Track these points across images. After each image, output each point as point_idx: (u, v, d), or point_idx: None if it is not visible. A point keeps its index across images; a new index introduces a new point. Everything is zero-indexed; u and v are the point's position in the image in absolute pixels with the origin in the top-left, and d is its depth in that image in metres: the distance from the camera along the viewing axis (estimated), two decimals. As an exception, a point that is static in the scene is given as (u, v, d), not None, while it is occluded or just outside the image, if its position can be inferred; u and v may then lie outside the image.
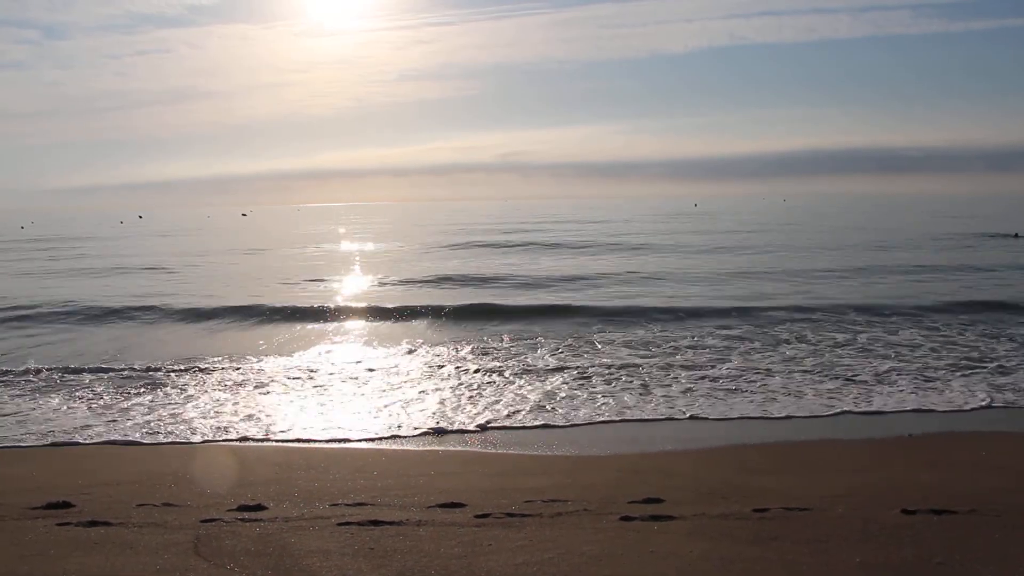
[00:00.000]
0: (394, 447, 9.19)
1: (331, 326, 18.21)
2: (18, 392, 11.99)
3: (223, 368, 13.29)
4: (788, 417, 10.13)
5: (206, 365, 13.49)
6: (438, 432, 9.61)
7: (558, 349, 14.53)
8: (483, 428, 9.78)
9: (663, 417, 10.19)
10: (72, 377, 12.84)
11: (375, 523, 5.43)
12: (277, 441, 9.46)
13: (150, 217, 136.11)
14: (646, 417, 10.19)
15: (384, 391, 11.73)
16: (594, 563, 4.58)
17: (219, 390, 11.82)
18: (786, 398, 10.94)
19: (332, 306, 20.48)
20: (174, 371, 13.08)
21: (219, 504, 6.20)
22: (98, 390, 11.96)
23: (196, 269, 33.29)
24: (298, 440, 9.48)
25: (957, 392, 11.02)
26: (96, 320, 19.45)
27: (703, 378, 12.08)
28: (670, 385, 11.67)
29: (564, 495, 6.37)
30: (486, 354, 14.19)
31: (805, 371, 12.41)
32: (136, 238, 62.13)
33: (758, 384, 11.67)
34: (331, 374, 12.93)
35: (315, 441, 9.44)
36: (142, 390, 11.90)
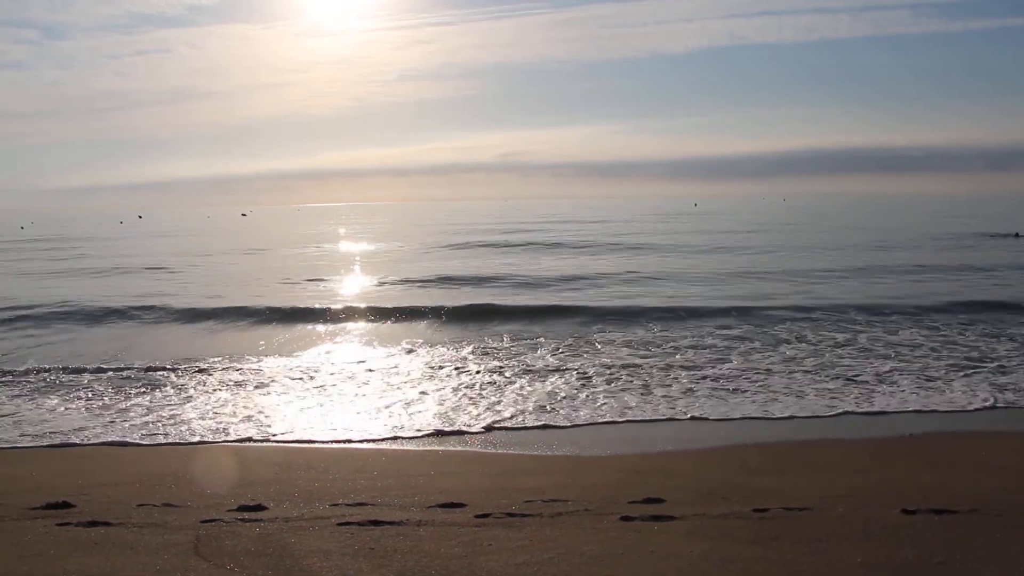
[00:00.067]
0: (394, 447, 9.19)
1: (331, 326, 18.21)
2: (18, 392, 11.99)
3: (223, 368, 13.29)
4: (788, 417, 10.12)
5: (206, 365, 13.49)
6: (440, 434, 9.60)
7: (558, 349, 14.53)
8: (488, 429, 9.77)
9: (663, 417, 10.19)
10: (72, 377, 12.84)
11: (375, 523, 5.43)
12: (277, 441, 9.46)
13: (150, 217, 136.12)
14: (646, 417, 10.19)
15: (384, 391, 11.72)
16: (594, 563, 4.58)
17: (219, 390, 11.82)
18: (786, 398, 10.93)
19: (332, 306, 20.47)
20: (174, 371, 13.08)
21: (219, 504, 6.20)
22: (98, 390, 11.95)
23: (196, 269, 33.29)
24: (298, 440, 9.47)
25: (958, 392, 11.01)
26: (96, 320, 19.45)
27: (703, 378, 12.08)
28: (670, 385, 11.67)
29: (564, 495, 6.36)
30: (486, 354, 14.19)
31: (805, 371, 12.40)
32: (136, 238, 62.14)
33: (758, 384, 11.66)
34: (331, 374, 12.93)
35: (315, 441, 9.44)
36: (142, 390, 11.90)
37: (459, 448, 9.14)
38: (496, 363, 13.38)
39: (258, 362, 13.84)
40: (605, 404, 10.75)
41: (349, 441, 9.42)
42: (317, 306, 20.61)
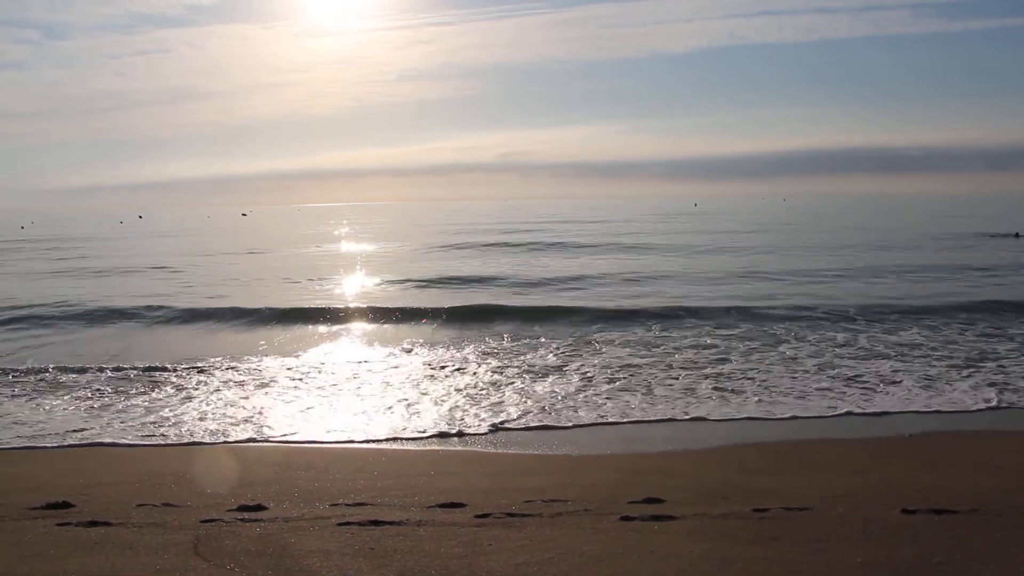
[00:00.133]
0: (394, 447, 9.19)
1: (331, 326, 18.21)
2: (18, 392, 11.99)
3: (223, 368, 13.29)
4: (788, 417, 10.12)
5: (206, 365, 13.49)
6: (443, 436, 9.58)
7: (559, 349, 14.53)
8: (491, 431, 9.76)
9: (663, 418, 10.18)
10: (72, 377, 12.84)
11: (375, 523, 5.43)
12: (277, 441, 9.46)
13: (150, 217, 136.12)
14: (646, 417, 10.19)
15: (385, 391, 11.73)
16: (594, 563, 4.58)
17: (219, 390, 11.82)
18: (786, 398, 10.93)
19: (332, 306, 20.47)
20: (174, 371, 13.08)
21: (219, 504, 6.20)
22: (98, 390, 11.96)
23: (196, 269, 33.29)
24: (298, 440, 9.47)
25: (958, 392, 11.01)
26: (96, 320, 19.46)
27: (703, 378, 12.07)
28: (670, 385, 11.67)
29: (564, 495, 6.37)
30: (487, 354, 14.19)
31: (805, 371, 12.40)
32: (136, 238, 62.14)
33: (759, 384, 11.66)
34: (331, 374, 12.93)
35: (315, 441, 9.44)
36: (142, 390, 11.90)
37: (459, 448, 9.14)
38: (496, 363, 13.38)
39: (258, 362, 13.84)
40: (605, 404, 10.75)
41: (349, 441, 9.43)
42: (317, 306, 20.61)
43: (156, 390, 11.87)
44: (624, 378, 12.13)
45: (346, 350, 15.47)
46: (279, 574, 4.47)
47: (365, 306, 20.52)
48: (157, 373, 12.99)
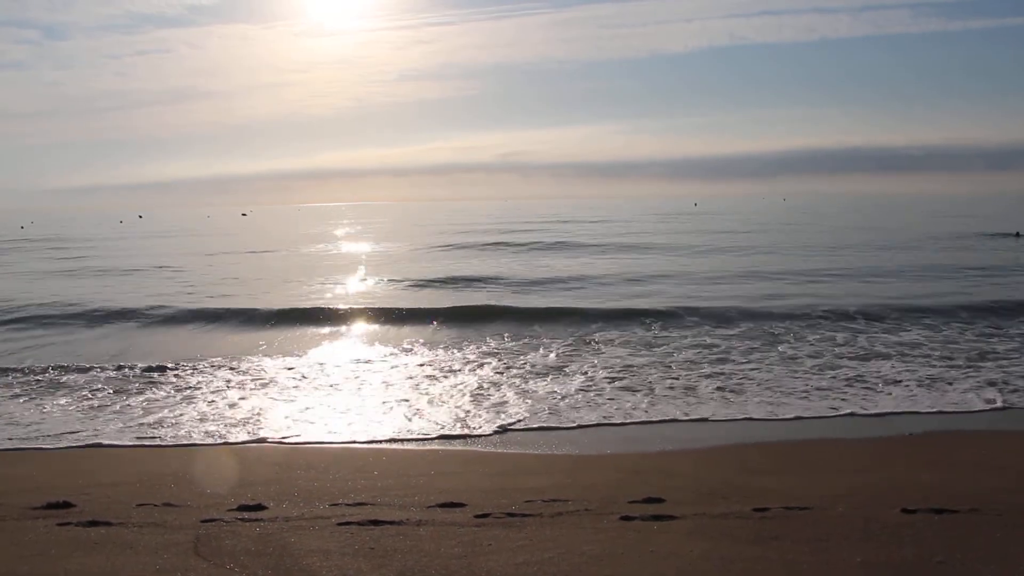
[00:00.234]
0: (394, 447, 9.19)
1: (331, 327, 18.21)
2: (17, 392, 11.99)
3: (223, 368, 13.29)
4: (789, 418, 10.12)
5: (206, 365, 13.49)
6: (444, 438, 9.57)
7: (559, 349, 14.53)
8: (492, 432, 9.77)
9: (664, 418, 10.18)
10: (72, 377, 12.84)
11: (375, 523, 5.43)
12: (277, 441, 9.46)
13: (150, 217, 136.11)
14: (647, 418, 10.19)
15: (385, 392, 11.73)
16: (594, 563, 4.57)
17: (219, 390, 11.82)
18: (786, 398, 10.93)
19: (332, 307, 20.48)
20: (174, 371, 13.08)
21: (219, 504, 6.20)
22: (98, 390, 11.96)
23: (196, 269, 33.29)
24: (298, 440, 9.48)
25: (958, 392, 11.02)
26: (96, 320, 19.45)
27: (704, 378, 12.08)
28: (671, 385, 11.67)
29: (564, 495, 6.36)
30: (487, 355, 14.19)
31: (806, 371, 12.41)
32: (136, 238, 62.14)
33: (759, 384, 11.66)
34: (331, 374, 12.93)
35: (315, 441, 9.44)
36: (142, 390, 11.90)
37: (459, 448, 9.14)
38: (497, 363, 13.38)
39: (258, 362, 13.84)
40: (605, 404, 10.75)
41: (350, 441, 9.43)
42: (317, 306, 20.61)
43: (156, 390, 11.88)
44: (624, 378, 12.13)
45: (346, 350, 15.47)
46: (279, 574, 4.47)
47: (365, 306, 20.52)
48: (157, 373, 12.99)
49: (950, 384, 11.40)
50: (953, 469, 7.41)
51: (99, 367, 13.53)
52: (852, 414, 10.17)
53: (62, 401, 11.39)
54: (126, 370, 13.27)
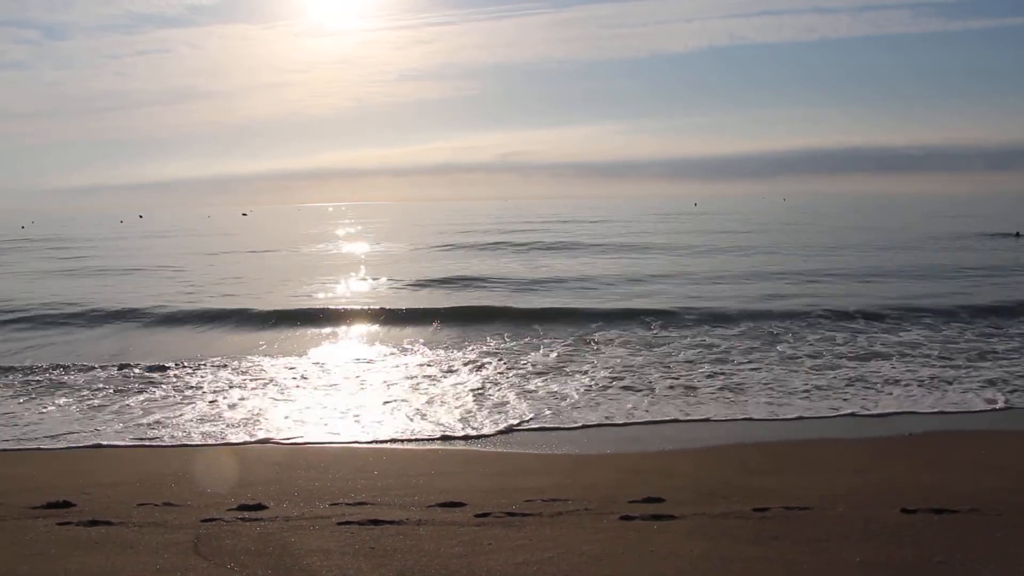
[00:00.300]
0: (394, 447, 9.19)
1: (332, 327, 18.21)
2: (17, 393, 11.99)
3: (224, 368, 13.29)
4: (789, 418, 10.12)
5: (206, 365, 13.49)
6: (443, 437, 9.57)
7: (559, 350, 14.53)
8: (494, 430, 9.78)
9: (664, 418, 10.18)
10: (72, 377, 12.84)
11: (375, 522, 5.43)
12: (277, 441, 9.46)
13: (150, 217, 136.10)
14: (647, 418, 10.19)
15: (385, 392, 11.73)
16: (594, 562, 4.58)
17: (220, 390, 11.82)
18: (787, 398, 10.93)
19: (333, 307, 20.48)
20: (174, 371, 13.09)
21: (219, 504, 6.20)
22: (98, 390, 11.96)
23: (196, 269, 33.29)
24: (299, 440, 9.48)
25: (958, 392, 11.01)
26: (96, 320, 19.45)
27: (704, 378, 12.08)
28: (671, 385, 11.67)
29: (564, 495, 6.37)
30: (487, 355, 14.19)
31: (806, 371, 12.41)
32: (136, 238, 62.14)
33: (759, 384, 11.66)
34: (331, 374, 12.93)
35: (315, 441, 9.44)
36: (142, 390, 11.90)
37: (459, 448, 9.15)
38: (497, 364, 13.39)
39: (258, 362, 13.84)
40: (605, 404, 10.75)
41: (350, 441, 9.43)
42: (317, 307, 20.62)
43: (156, 390, 11.88)
44: (624, 378, 12.13)
45: (346, 350, 15.47)
46: (279, 573, 4.47)
47: (365, 306, 20.52)
48: (158, 373, 13.00)
49: (950, 384, 11.40)
50: (953, 469, 7.41)
51: (99, 367, 13.53)
52: (852, 414, 10.18)
53: (62, 401, 11.39)
54: (126, 370, 13.27)
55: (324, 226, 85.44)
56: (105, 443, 9.45)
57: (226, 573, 4.46)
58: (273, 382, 12.31)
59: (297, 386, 12.08)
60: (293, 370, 13.19)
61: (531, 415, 10.25)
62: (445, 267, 31.18)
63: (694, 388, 11.48)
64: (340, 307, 20.45)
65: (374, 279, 28.05)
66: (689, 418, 10.14)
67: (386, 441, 9.40)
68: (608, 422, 10.01)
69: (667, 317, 17.70)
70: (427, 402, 10.98)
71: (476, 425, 9.89)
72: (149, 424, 10.14)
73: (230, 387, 12.00)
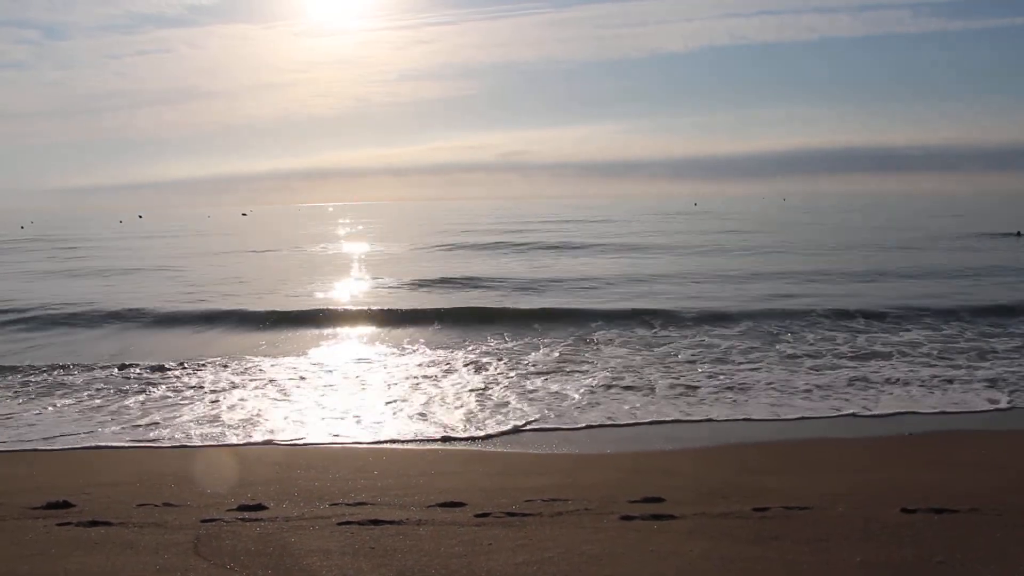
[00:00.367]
0: (394, 447, 9.19)
1: (332, 328, 18.21)
2: (17, 393, 11.99)
3: (224, 369, 13.29)
4: (789, 417, 10.12)
5: (206, 366, 13.49)
6: (444, 438, 9.56)
7: (559, 350, 14.53)
8: (495, 431, 9.78)
9: (664, 418, 10.18)
10: (72, 378, 12.85)
11: (375, 522, 5.42)
12: (277, 441, 9.46)
13: (150, 217, 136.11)
14: (647, 417, 10.19)
15: (385, 393, 11.73)
16: (594, 562, 4.57)
17: (220, 391, 11.82)
18: (787, 398, 10.93)
19: (332, 308, 20.49)
20: (174, 372, 13.09)
21: (219, 504, 6.20)
22: (98, 390, 11.96)
23: (196, 269, 33.29)
24: (299, 440, 9.48)
25: (958, 392, 11.02)
26: (96, 320, 19.45)
27: (704, 378, 12.08)
28: (671, 385, 11.67)
29: (564, 494, 6.36)
30: (487, 355, 14.19)
31: (806, 371, 12.41)
32: (136, 238, 62.14)
33: (759, 384, 11.66)
34: (331, 375, 12.93)
35: (316, 441, 9.44)
36: (142, 390, 11.90)
37: (459, 448, 9.15)
38: (497, 364, 13.39)
39: (258, 362, 13.84)
40: (606, 404, 10.75)
41: (350, 442, 9.43)
42: (317, 307, 20.63)
43: (156, 390, 11.88)
44: (625, 378, 12.13)
45: (346, 351, 15.47)
46: (279, 573, 4.47)
47: (365, 307, 20.53)
48: (158, 373, 13.00)
49: (950, 384, 11.40)
50: (953, 469, 7.41)
51: (99, 367, 13.54)
52: (852, 414, 10.18)
53: (62, 401, 11.39)
54: (126, 370, 13.27)
55: (324, 226, 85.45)
56: (105, 443, 9.46)
57: (226, 573, 4.46)
58: (273, 382, 12.31)
59: (297, 386, 12.08)
60: (293, 370, 13.19)
61: (531, 415, 10.25)
62: (445, 267, 31.18)
63: (694, 388, 11.48)
64: (340, 307, 20.46)
65: (374, 279, 28.05)
66: (689, 418, 10.14)
67: (386, 441, 9.40)
68: (608, 422, 10.01)
69: (667, 317, 17.71)
70: (427, 402, 10.98)
71: (476, 425, 9.89)
72: (149, 424, 10.14)
73: (230, 387, 12.00)
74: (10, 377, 12.95)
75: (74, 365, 13.74)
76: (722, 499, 6.18)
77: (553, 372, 12.67)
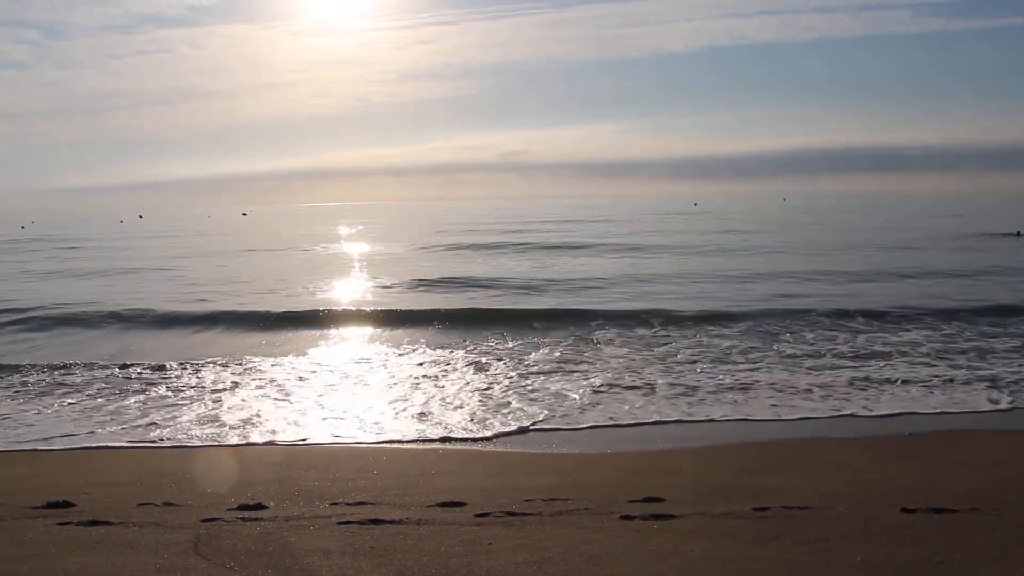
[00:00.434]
0: (394, 447, 9.19)
1: (332, 328, 18.21)
2: (17, 393, 11.99)
3: (224, 368, 13.30)
4: (789, 418, 10.12)
5: (207, 366, 13.50)
6: (444, 439, 9.56)
7: (559, 350, 14.52)
8: (495, 431, 9.77)
9: (664, 418, 10.18)
10: (71, 378, 12.85)
11: (375, 522, 5.43)
12: (278, 441, 9.46)
13: (150, 217, 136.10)
14: (647, 417, 10.19)
15: (385, 393, 11.74)
16: (594, 562, 4.57)
17: (220, 390, 11.82)
18: (787, 398, 10.93)
19: (333, 309, 20.49)
20: (174, 372, 13.09)
21: (219, 503, 6.20)
22: (98, 390, 11.96)
23: (197, 269, 33.30)
24: (299, 440, 9.48)
25: (958, 391, 11.01)
26: (95, 320, 19.45)
27: (704, 378, 12.08)
28: (671, 385, 11.67)
29: (564, 494, 6.36)
30: (488, 356, 14.19)
31: (806, 371, 12.41)
32: (136, 238, 62.14)
33: (759, 384, 11.66)
34: (331, 375, 12.94)
35: (316, 441, 9.44)
36: (143, 390, 11.90)
37: (459, 447, 9.15)
38: (497, 364, 13.39)
39: (259, 362, 13.84)
40: (606, 404, 10.75)
41: (350, 441, 9.43)
42: (318, 307, 20.62)
43: (157, 390, 11.88)
44: (625, 378, 12.13)
45: (346, 351, 15.47)
46: (279, 573, 4.47)
47: (365, 307, 20.53)
48: (158, 373, 13.00)
49: (950, 384, 11.40)
50: (953, 469, 7.41)
51: (99, 367, 13.54)
52: (852, 414, 10.17)
53: (63, 401, 11.39)
54: (127, 370, 13.28)
55: (324, 226, 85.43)
56: (105, 443, 9.46)
57: (226, 573, 4.46)
58: (273, 382, 12.31)
59: (297, 386, 12.08)
60: (293, 370, 13.20)
61: (532, 415, 10.25)
62: (445, 268, 31.18)
63: (694, 388, 11.48)
64: (340, 308, 20.47)
65: (374, 279, 28.05)
66: (690, 418, 10.14)
67: (386, 441, 9.40)
68: (609, 422, 10.01)
69: (667, 317, 17.70)
70: (427, 402, 10.98)
71: (476, 425, 9.89)
72: (149, 424, 10.14)
73: (230, 387, 12.00)
74: (11, 377, 12.95)
75: (74, 365, 13.75)
76: (722, 499, 6.17)
77: (553, 372, 12.67)
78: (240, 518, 5.65)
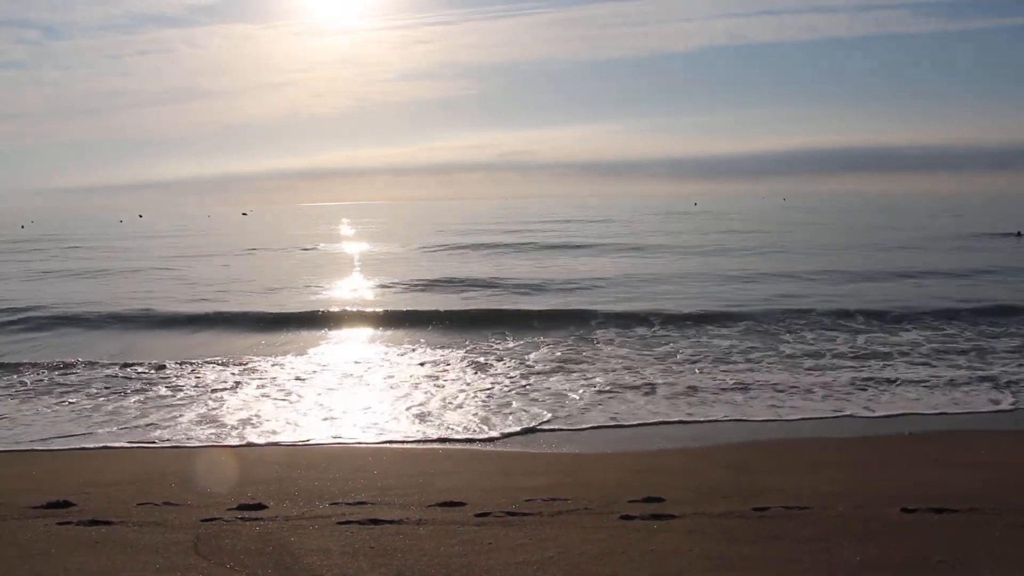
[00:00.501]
0: (394, 447, 9.19)
1: (332, 328, 18.20)
2: (17, 392, 11.99)
3: (224, 368, 13.30)
4: (789, 418, 10.12)
5: (207, 366, 13.49)
6: (443, 439, 9.56)
7: (560, 351, 14.52)
8: (495, 431, 9.78)
9: (664, 418, 10.18)
10: (71, 378, 12.85)
11: (375, 522, 5.43)
12: (277, 441, 9.46)
13: (150, 216, 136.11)
14: (647, 418, 10.19)
15: (385, 393, 11.74)
16: (594, 562, 4.58)
17: (220, 390, 11.82)
18: (787, 398, 10.93)
19: (333, 309, 20.48)
20: (174, 372, 13.09)
21: (219, 503, 6.20)
22: (98, 390, 11.96)
23: (196, 269, 33.30)
24: (299, 440, 9.48)
25: (958, 391, 11.02)
26: (95, 321, 19.44)
27: (705, 378, 12.08)
28: (671, 385, 11.67)
29: (564, 494, 6.36)
30: (488, 356, 14.19)
31: (806, 371, 12.41)
32: (136, 238, 62.14)
33: (759, 384, 11.66)
34: (331, 376, 12.94)
35: (316, 441, 9.44)
36: (143, 390, 11.90)
37: (459, 447, 9.15)
38: (498, 364, 13.39)
39: (259, 362, 13.84)
40: (606, 404, 10.75)
41: (350, 441, 9.43)
42: (318, 308, 20.62)
43: (157, 390, 11.88)
44: (625, 378, 12.13)
45: (346, 351, 15.47)
46: (279, 572, 4.47)
47: (365, 308, 20.54)
48: (158, 373, 13.00)
49: (950, 384, 11.40)
50: (953, 469, 7.41)
51: (99, 367, 13.54)
52: (852, 415, 10.17)
53: (62, 401, 11.39)
54: (127, 370, 13.28)
55: (324, 226, 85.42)
56: (105, 443, 9.46)
57: (226, 573, 4.46)
58: (273, 382, 12.31)
59: (297, 386, 12.08)
60: (293, 370, 13.20)
61: (532, 415, 10.25)
62: (445, 267, 31.19)
63: (695, 388, 11.48)
64: (340, 308, 20.46)
65: (374, 280, 28.05)
66: (690, 418, 10.14)
67: (386, 441, 9.40)
68: (609, 422, 10.00)
69: (668, 317, 17.70)
70: (427, 402, 10.98)
71: (476, 425, 9.89)
72: (149, 424, 10.14)
73: (231, 387, 12.00)
74: (10, 376, 12.96)
75: (75, 364, 13.74)
76: (722, 499, 6.18)
77: (553, 372, 12.67)
78: (240, 518, 5.65)
